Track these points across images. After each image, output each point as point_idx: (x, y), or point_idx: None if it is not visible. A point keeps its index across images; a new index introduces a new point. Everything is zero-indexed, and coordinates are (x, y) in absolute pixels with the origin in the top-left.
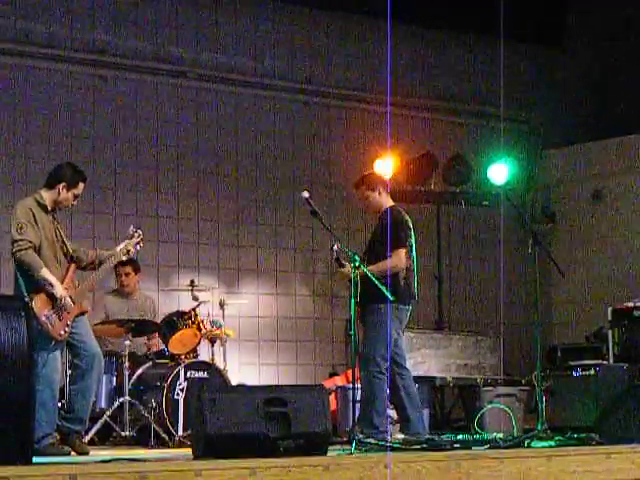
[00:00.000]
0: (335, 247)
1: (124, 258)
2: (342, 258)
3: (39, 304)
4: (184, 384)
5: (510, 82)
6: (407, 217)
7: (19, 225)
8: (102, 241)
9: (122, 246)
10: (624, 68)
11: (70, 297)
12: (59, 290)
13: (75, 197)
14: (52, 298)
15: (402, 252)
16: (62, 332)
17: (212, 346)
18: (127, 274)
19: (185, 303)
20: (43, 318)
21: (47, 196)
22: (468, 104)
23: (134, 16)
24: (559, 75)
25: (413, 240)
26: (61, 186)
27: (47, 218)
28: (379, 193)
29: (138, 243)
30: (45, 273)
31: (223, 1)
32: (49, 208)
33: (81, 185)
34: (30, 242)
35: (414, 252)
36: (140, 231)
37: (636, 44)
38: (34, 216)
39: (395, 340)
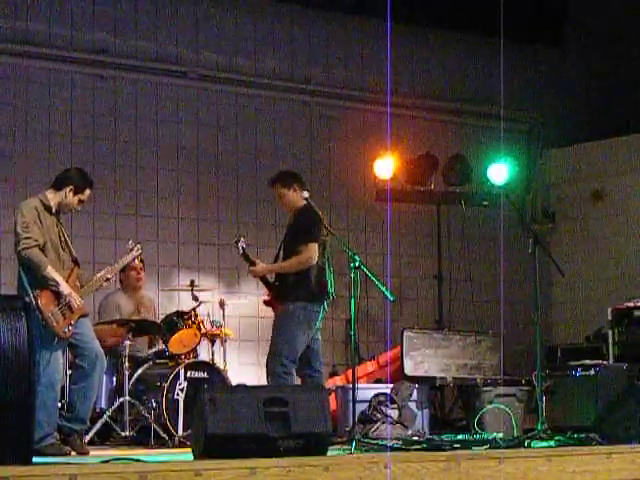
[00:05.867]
0: (240, 242)
1: (104, 284)
2: (250, 254)
3: (44, 300)
4: (184, 384)
5: (510, 82)
6: (321, 215)
7: (24, 223)
8: (102, 241)
9: (103, 272)
10: (624, 68)
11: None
12: (65, 288)
13: (80, 202)
14: (57, 296)
15: (314, 246)
16: (66, 330)
17: (212, 346)
18: (141, 269)
19: (185, 303)
20: (48, 314)
21: (52, 197)
22: (468, 104)
23: (134, 16)
24: (559, 75)
25: (327, 239)
26: (68, 189)
27: (51, 219)
28: (294, 190)
29: (136, 257)
30: (50, 271)
31: (223, 1)
32: (53, 210)
33: (87, 191)
34: (36, 240)
35: (328, 251)
36: (139, 245)
37: (636, 44)
38: (39, 216)
39: (304, 340)
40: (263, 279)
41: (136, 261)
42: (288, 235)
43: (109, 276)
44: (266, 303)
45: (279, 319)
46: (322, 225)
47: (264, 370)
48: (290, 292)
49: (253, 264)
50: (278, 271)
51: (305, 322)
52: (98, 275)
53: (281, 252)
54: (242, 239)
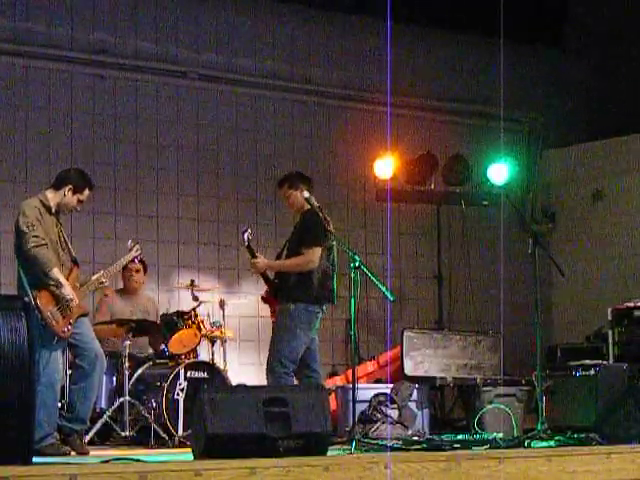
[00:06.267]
0: (246, 234)
1: (100, 286)
2: (254, 247)
3: (44, 300)
4: (184, 384)
5: (510, 82)
6: (325, 215)
7: (29, 222)
8: (102, 241)
9: (98, 275)
10: (624, 68)
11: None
12: (68, 291)
13: (79, 202)
14: (56, 296)
15: (317, 250)
16: (65, 330)
17: (212, 346)
18: (137, 271)
19: (185, 303)
20: (48, 313)
21: (52, 197)
22: (468, 104)
23: (134, 16)
24: (559, 75)
25: (334, 244)
26: (67, 189)
27: (51, 219)
28: (301, 192)
29: (135, 257)
30: (56, 272)
31: (223, 1)
32: (53, 210)
33: (87, 192)
34: (43, 239)
35: (334, 255)
36: (138, 246)
37: (636, 44)
38: (40, 216)
39: (304, 341)
40: (264, 275)
41: (136, 261)
42: (294, 235)
43: (104, 280)
44: (263, 299)
45: (280, 319)
46: (327, 230)
47: (264, 370)
48: (291, 292)
49: (255, 257)
50: (278, 269)
51: (306, 323)
52: (94, 277)
53: (284, 251)
54: (249, 230)
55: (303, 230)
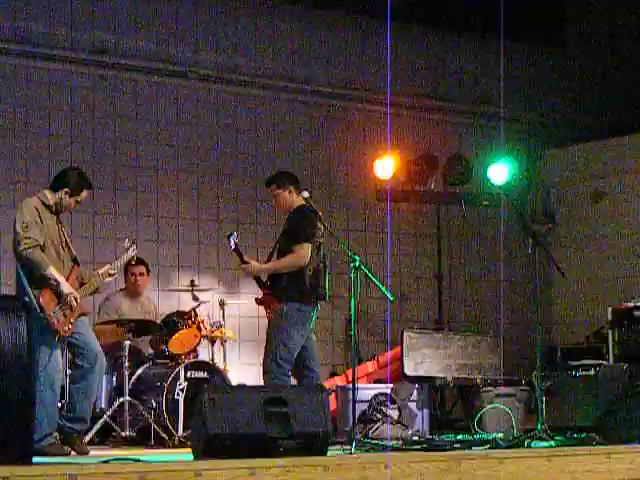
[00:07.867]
0: (232, 237)
1: (106, 280)
2: (241, 249)
3: (45, 299)
4: (184, 384)
5: (510, 82)
6: (320, 216)
7: (24, 223)
8: (102, 241)
9: (104, 269)
10: (624, 68)
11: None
12: (66, 287)
13: (77, 203)
14: (57, 295)
15: (307, 246)
16: (66, 328)
17: (212, 346)
18: (141, 274)
19: (185, 303)
20: (50, 312)
21: (50, 198)
22: (468, 104)
23: (134, 16)
24: (559, 75)
25: (323, 240)
26: (63, 192)
27: (52, 218)
28: (289, 192)
29: (133, 256)
30: (52, 271)
31: (223, 1)
32: (53, 209)
33: (84, 193)
34: (36, 240)
35: (323, 252)
36: (135, 246)
37: (636, 44)
38: (39, 215)
39: (299, 341)
40: (256, 278)
41: (133, 262)
42: (282, 235)
43: (112, 272)
44: (258, 302)
45: (273, 320)
46: (318, 226)
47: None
48: (283, 293)
49: (244, 261)
50: (271, 270)
51: (299, 322)
52: (101, 271)
53: (275, 252)
54: (234, 234)
55: (291, 228)
